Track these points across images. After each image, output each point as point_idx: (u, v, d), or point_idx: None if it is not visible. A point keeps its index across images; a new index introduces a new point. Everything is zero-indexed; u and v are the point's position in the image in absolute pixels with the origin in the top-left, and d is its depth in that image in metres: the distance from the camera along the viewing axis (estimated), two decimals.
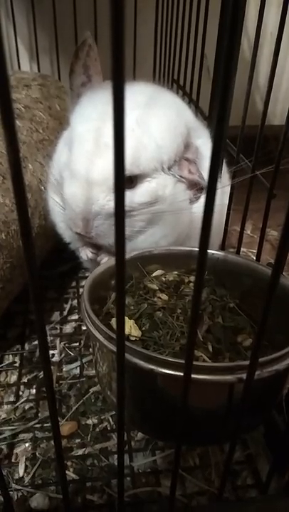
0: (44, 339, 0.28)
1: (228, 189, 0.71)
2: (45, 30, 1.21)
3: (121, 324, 0.25)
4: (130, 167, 0.59)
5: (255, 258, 0.78)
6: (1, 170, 0.66)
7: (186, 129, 0.65)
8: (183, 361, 0.31)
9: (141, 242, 0.65)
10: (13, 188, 0.22)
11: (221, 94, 0.20)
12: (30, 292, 0.25)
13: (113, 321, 0.52)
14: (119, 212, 0.23)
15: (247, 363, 0.34)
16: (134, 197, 0.62)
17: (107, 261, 0.60)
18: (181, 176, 0.65)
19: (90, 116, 0.62)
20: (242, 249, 0.82)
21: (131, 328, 0.50)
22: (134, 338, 0.50)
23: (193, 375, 0.32)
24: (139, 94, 0.65)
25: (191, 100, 0.92)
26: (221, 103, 0.21)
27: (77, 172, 0.60)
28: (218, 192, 0.66)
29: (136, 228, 0.64)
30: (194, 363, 0.32)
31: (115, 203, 0.22)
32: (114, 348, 0.44)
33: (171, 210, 0.65)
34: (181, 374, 0.32)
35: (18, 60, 1.23)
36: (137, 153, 0.60)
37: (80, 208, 0.60)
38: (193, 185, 0.67)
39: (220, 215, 0.72)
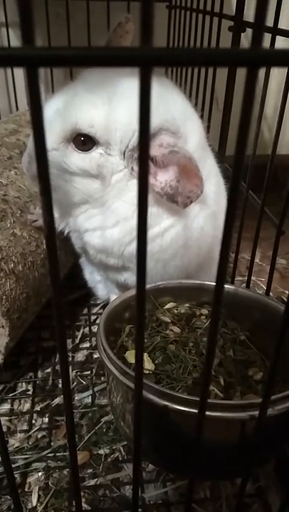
0: (66, 374, 0.29)
1: (220, 215, 0.68)
2: None
3: (140, 371, 0.26)
4: (84, 124, 0.59)
5: (264, 287, 0.79)
6: (19, 204, 0.69)
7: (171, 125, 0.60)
8: (197, 399, 0.32)
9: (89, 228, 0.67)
10: (44, 222, 0.23)
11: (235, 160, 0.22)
12: (55, 321, 0.26)
13: (128, 354, 0.54)
14: (141, 246, 0.23)
15: (259, 400, 0.35)
16: (75, 159, 0.61)
17: (121, 294, 0.61)
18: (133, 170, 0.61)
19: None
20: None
21: (144, 361, 0.52)
22: (147, 372, 0.51)
23: (206, 412, 0.33)
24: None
25: None
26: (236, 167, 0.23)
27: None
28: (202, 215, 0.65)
29: (71, 198, 0.63)
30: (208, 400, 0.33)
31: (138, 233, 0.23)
32: (128, 383, 0.45)
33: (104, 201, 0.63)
34: (195, 411, 0.33)
35: None
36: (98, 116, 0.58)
37: (29, 147, 0.65)
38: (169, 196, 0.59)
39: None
